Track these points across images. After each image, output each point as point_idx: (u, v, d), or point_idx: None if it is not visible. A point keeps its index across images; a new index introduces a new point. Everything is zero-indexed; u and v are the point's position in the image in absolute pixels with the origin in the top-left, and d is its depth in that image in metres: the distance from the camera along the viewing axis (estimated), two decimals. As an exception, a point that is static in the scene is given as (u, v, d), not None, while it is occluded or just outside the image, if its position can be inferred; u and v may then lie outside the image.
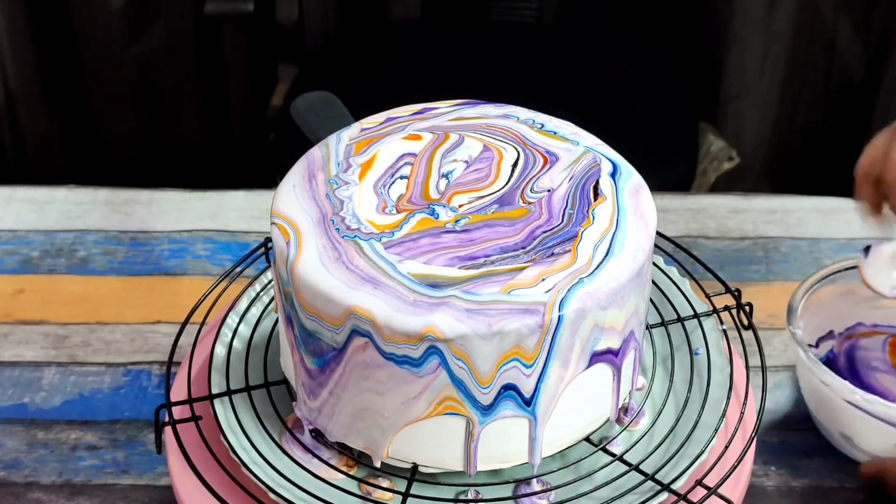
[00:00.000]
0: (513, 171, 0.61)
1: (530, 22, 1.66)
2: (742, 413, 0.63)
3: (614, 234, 0.57)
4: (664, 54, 1.51)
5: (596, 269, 0.55)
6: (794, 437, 0.76)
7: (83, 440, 0.76)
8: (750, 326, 0.67)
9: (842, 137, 1.51)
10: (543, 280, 0.54)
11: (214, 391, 0.63)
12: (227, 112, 1.69)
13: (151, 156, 1.70)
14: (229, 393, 0.63)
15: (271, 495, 0.57)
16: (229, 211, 0.95)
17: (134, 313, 0.86)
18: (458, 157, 0.62)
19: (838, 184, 1.43)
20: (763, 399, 0.62)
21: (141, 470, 0.74)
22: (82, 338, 0.84)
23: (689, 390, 0.64)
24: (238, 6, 1.36)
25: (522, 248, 0.56)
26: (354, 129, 0.65)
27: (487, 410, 0.55)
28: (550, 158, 0.62)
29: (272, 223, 0.58)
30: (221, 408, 0.62)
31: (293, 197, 0.59)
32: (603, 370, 0.57)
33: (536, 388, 0.55)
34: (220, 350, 0.65)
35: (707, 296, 0.69)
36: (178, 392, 0.65)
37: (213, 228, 0.94)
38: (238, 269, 0.69)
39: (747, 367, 0.65)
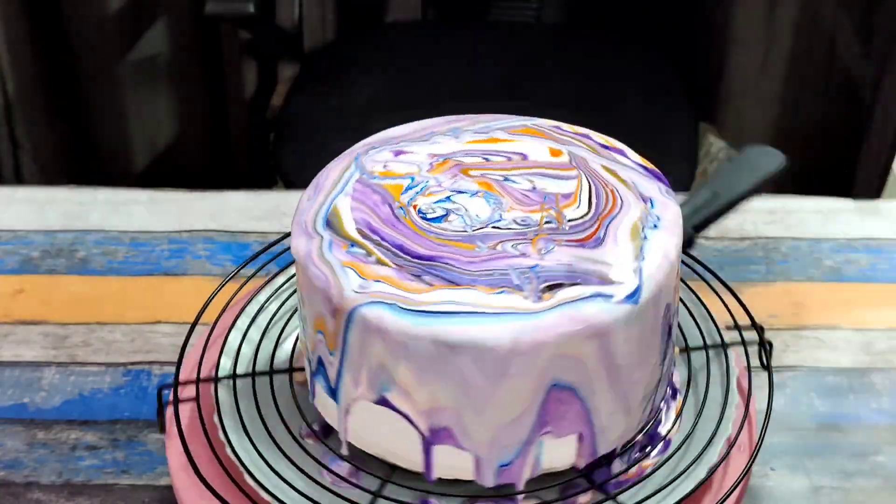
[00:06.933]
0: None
1: (530, 22, 1.66)
2: (743, 413, 0.62)
3: None
4: (664, 54, 1.51)
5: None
6: (795, 436, 0.76)
7: (83, 440, 0.76)
8: (768, 367, 0.66)
9: (841, 137, 1.52)
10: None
11: (219, 390, 0.63)
12: (226, 112, 1.69)
13: (151, 156, 1.70)
14: (233, 392, 0.63)
15: (264, 495, 0.57)
16: (229, 211, 0.95)
17: (134, 313, 0.85)
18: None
19: (838, 184, 1.43)
20: (770, 401, 0.62)
21: (141, 470, 0.74)
22: (82, 338, 0.83)
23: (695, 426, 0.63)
24: (238, 7, 1.36)
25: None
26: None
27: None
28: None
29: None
30: (223, 404, 0.62)
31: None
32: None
33: None
34: (226, 361, 0.66)
35: (718, 330, 0.67)
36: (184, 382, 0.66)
37: (213, 228, 0.93)
38: (243, 270, 0.69)
39: (748, 367, 0.65)
